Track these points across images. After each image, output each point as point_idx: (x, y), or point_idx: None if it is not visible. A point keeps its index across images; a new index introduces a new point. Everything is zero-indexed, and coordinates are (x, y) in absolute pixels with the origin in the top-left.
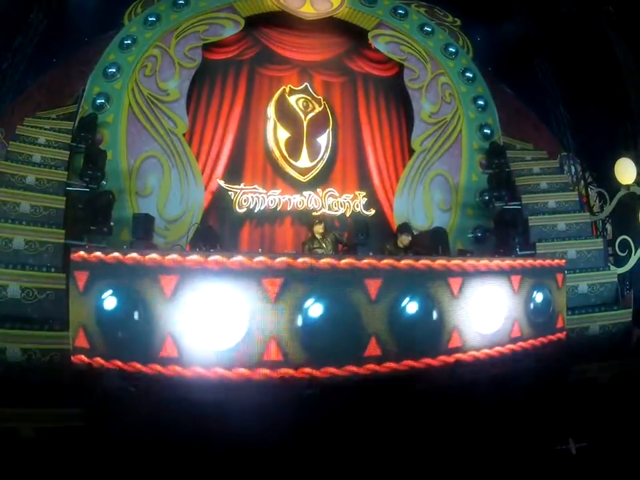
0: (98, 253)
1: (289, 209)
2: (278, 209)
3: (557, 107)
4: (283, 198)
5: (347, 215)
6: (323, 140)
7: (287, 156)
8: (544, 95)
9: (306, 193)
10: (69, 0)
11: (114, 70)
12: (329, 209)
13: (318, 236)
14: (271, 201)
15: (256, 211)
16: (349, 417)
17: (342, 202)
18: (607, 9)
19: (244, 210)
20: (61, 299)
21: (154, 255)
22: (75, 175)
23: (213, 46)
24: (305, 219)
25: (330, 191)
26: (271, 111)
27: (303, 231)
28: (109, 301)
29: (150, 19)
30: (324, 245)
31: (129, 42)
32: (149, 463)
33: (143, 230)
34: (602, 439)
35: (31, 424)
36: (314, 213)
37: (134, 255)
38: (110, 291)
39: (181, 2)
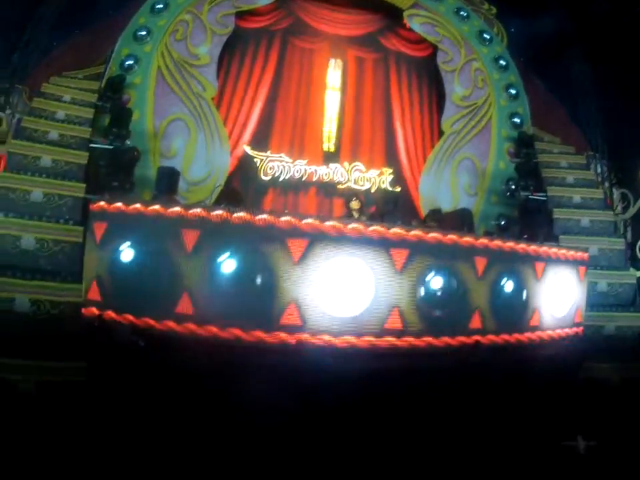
0: (118, 204)
1: (314, 179)
2: (303, 179)
3: (587, 105)
4: (309, 168)
5: (372, 191)
6: (358, 112)
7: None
8: (575, 91)
9: (332, 165)
10: None
11: (144, 33)
12: (355, 183)
13: (355, 213)
14: (297, 171)
15: (281, 179)
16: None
17: (368, 177)
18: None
19: (269, 178)
20: (75, 252)
21: (177, 208)
22: (99, 133)
23: (246, 14)
24: (329, 190)
25: (356, 165)
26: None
27: (326, 202)
28: (126, 254)
29: None
30: None
31: (161, 6)
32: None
33: (167, 184)
34: (609, 439)
35: (32, 377)
36: (339, 186)
37: (156, 206)
38: (128, 243)
39: None
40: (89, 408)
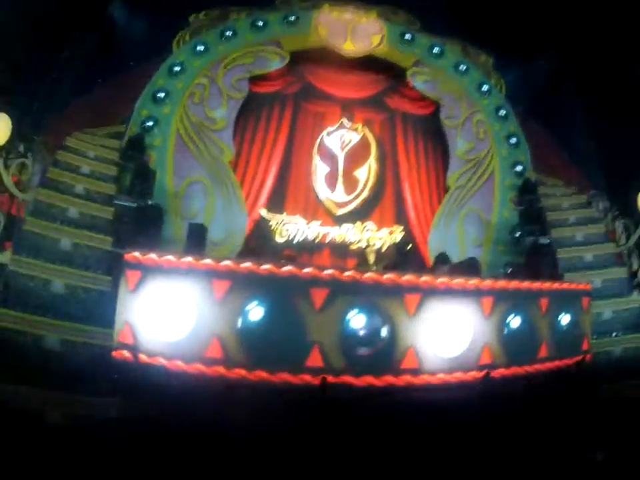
0: (152, 255)
1: (327, 241)
2: (317, 241)
3: (586, 143)
4: (323, 230)
5: (383, 250)
6: (362, 173)
7: (326, 189)
8: (573, 132)
9: (345, 226)
10: (119, 21)
11: (162, 95)
12: (367, 242)
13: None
14: (311, 233)
15: (295, 241)
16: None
17: (379, 236)
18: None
19: (284, 240)
20: (103, 300)
21: (207, 260)
22: (123, 190)
23: (258, 79)
24: (342, 251)
25: (367, 225)
26: (314, 150)
27: (339, 263)
28: (160, 301)
29: (198, 48)
30: None
31: (178, 69)
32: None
33: (196, 239)
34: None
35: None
36: (351, 246)
37: (188, 258)
38: (162, 292)
39: (228, 33)
40: (120, 442)
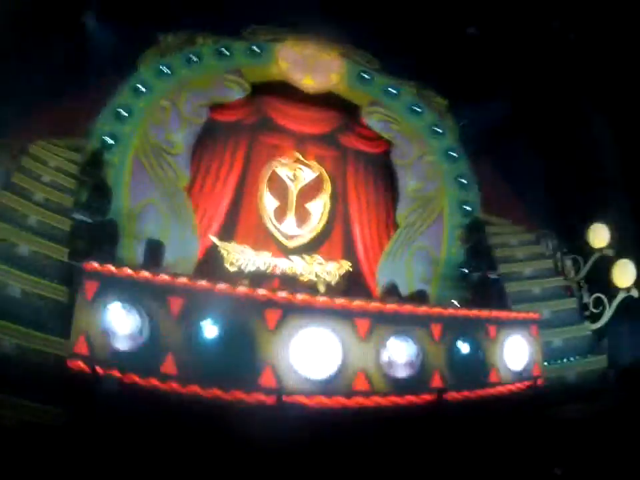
0: (110, 267)
1: (277, 272)
2: (267, 271)
3: (534, 184)
4: (272, 261)
5: (333, 284)
6: (316, 207)
7: (275, 222)
8: (523, 174)
9: (294, 258)
10: (89, 32)
11: (125, 113)
12: (316, 275)
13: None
14: (262, 263)
15: (246, 271)
16: None
17: (328, 270)
18: None
19: (235, 268)
20: (58, 310)
21: (165, 276)
22: (80, 204)
23: (218, 107)
24: (291, 282)
25: (317, 259)
26: (263, 182)
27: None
28: (116, 313)
29: (163, 70)
30: None
31: (142, 88)
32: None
33: (154, 256)
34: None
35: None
36: (301, 278)
37: (146, 273)
38: (118, 304)
39: (193, 58)
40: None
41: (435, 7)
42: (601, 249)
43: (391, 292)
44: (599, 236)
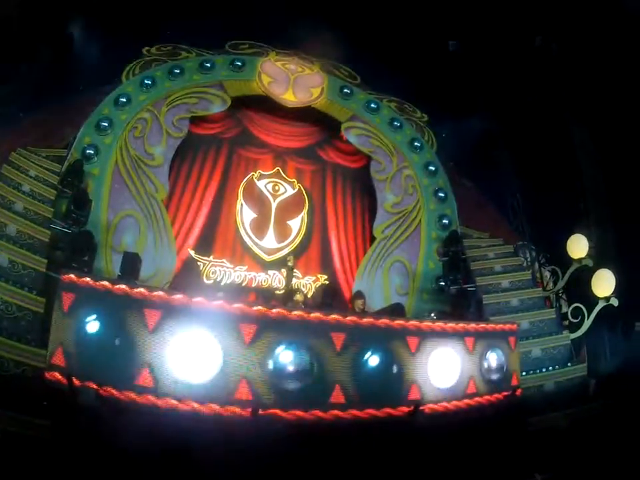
0: (87, 279)
1: (254, 285)
2: (244, 284)
3: (513, 198)
4: (249, 274)
5: (309, 297)
6: (295, 223)
7: (252, 236)
8: (501, 187)
9: (271, 272)
10: (74, 43)
11: (106, 124)
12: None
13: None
14: (238, 276)
15: (222, 284)
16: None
17: (304, 283)
18: None
19: (211, 281)
20: (37, 321)
21: (141, 289)
22: (59, 215)
23: (199, 120)
24: (268, 296)
25: (294, 273)
26: (240, 193)
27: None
28: (92, 325)
29: (146, 81)
30: None
31: (124, 100)
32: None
33: (130, 268)
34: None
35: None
36: (277, 292)
37: (122, 285)
38: (94, 316)
39: (176, 71)
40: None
41: (416, 22)
42: (579, 259)
43: (359, 297)
44: (578, 246)
